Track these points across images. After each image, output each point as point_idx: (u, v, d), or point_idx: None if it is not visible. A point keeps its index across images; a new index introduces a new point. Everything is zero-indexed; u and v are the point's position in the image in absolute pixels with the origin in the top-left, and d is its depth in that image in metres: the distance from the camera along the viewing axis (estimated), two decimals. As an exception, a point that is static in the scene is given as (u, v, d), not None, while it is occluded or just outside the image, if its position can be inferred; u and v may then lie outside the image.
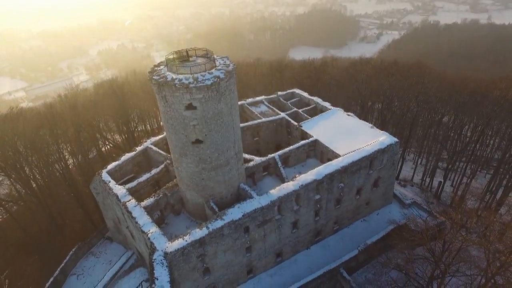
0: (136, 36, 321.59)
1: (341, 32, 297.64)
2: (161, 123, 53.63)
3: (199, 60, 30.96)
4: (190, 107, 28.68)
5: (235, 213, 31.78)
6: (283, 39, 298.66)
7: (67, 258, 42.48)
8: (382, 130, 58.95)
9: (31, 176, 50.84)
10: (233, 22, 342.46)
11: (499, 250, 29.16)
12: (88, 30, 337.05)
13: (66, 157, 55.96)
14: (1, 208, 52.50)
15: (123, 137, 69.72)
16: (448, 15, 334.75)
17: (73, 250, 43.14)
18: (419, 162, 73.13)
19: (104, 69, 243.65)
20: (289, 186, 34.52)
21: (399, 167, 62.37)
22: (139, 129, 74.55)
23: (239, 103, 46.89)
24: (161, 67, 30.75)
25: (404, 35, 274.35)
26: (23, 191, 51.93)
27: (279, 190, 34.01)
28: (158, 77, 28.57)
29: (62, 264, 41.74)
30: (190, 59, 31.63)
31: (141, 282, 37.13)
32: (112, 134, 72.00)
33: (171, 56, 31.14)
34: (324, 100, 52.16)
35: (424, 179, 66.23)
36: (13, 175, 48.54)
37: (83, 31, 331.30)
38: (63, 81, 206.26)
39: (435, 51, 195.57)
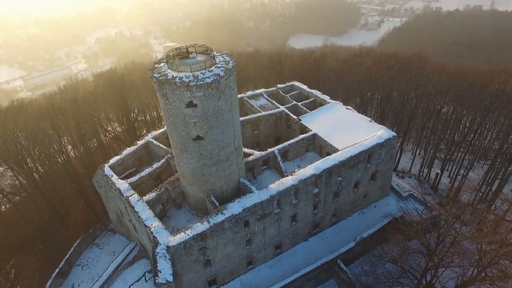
0: (134, 23, 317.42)
1: (342, 19, 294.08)
2: (161, 113, 53.99)
3: (199, 57, 31.12)
4: (190, 104, 29.05)
5: (235, 207, 32.57)
6: (283, 27, 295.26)
7: (72, 249, 43.60)
8: (381, 121, 59.54)
9: (34, 169, 51.54)
10: (232, 9, 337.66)
11: (493, 241, 29.99)
12: (85, 17, 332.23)
13: (68, 149, 56.61)
14: (5, 198, 53.40)
15: (123, 127, 70.11)
16: (450, 1, 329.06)
17: (77, 241, 44.17)
18: (417, 152, 73.83)
19: (103, 58, 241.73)
20: (288, 181, 35.23)
21: (397, 158, 63.07)
22: (139, 119, 74.96)
23: (239, 96, 47.31)
24: (162, 64, 30.96)
25: (405, 22, 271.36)
26: (25, 181, 52.71)
27: (278, 185, 34.73)
28: (159, 75, 28.84)
29: (67, 255, 42.84)
30: (190, 55, 31.79)
31: (145, 273, 38.29)
32: (112, 125, 72.48)
33: (171, 53, 31.30)
34: (324, 91, 52.41)
35: (422, 170, 67.04)
36: (15, 168, 49.20)
37: (80, 18, 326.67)
38: (61, 70, 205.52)
39: (436, 39, 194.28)
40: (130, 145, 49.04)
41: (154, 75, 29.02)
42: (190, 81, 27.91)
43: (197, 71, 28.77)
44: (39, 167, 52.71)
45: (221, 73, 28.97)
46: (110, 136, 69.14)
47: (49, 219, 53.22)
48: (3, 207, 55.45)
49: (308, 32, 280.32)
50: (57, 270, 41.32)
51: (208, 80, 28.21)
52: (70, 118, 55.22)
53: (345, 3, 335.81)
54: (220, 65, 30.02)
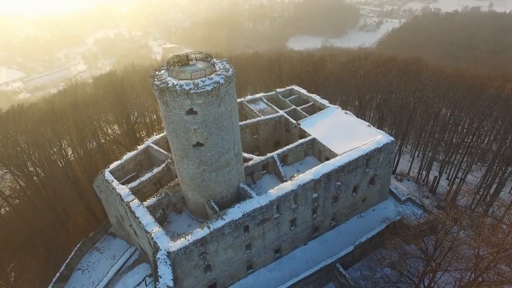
0: (133, 24, 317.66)
1: (341, 20, 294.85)
2: (161, 115, 54.51)
3: (199, 64, 31.49)
4: (191, 112, 29.38)
5: (235, 213, 32.84)
6: (282, 28, 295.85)
7: (72, 253, 43.67)
8: (380, 124, 59.82)
9: (34, 172, 51.66)
10: (231, 10, 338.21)
11: (491, 244, 30.26)
12: (85, 17, 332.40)
13: (68, 152, 56.76)
14: (4, 201, 53.45)
15: (123, 130, 70.29)
16: (449, 2, 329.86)
17: (78, 246, 44.31)
18: (416, 154, 74.16)
19: (102, 59, 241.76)
20: (287, 186, 35.51)
21: (396, 161, 63.45)
22: (139, 121, 75.24)
23: (238, 100, 47.66)
24: (162, 71, 31.27)
25: (404, 24, 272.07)
26: (25, 185, 52.82)
27: (277, 190, 35.01)
28: (160, 83, 29.15)
29: (68, 260, 42.94)
30: (190, 62, 32.13)
31: (145, 277, 38.47)
32: (112, 127, 72.74)
33: (171, 60, 31.62)
34: (323, 94, 52.74)
35: (421, 172, 67.35)
36: (16, 172, 49.32)
37: (79, 18, 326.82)
38: (60, 71, 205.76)
39: (435, 41, 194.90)
40: (130, 148, 49.44)
41: (155, 82, 29.32)
42: (190, 88, 28.22)
43: (197, 78, 29.12)
44: (39, 171, 52.82)
45: (221, 81, 29.30)
46: (110, 138, 69.38)
47: (50, 222, 53.28)
48: (2, 210, 55.53)
49: (307, 33, 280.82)
50: (57, 274, 41.42)
51: (208, 88, 28.54)
52: (70, 121, 55.43)
53: (344, 4, 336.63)
54: (220, 73, 30.35)
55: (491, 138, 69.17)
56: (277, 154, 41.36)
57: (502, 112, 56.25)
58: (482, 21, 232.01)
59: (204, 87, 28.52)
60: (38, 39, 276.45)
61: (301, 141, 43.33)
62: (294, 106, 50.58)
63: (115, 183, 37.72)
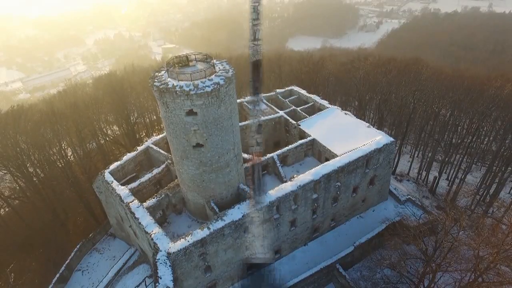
0: (133, 25, 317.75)
1: (341, 20, 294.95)
2: (160, 115, 54.43)
3: (199, 65, 31.48)
4: (191, 113, 29.38)
5: (235, 213, 32.84)
6: (282, 28, 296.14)
7: (72, 254, 43.67)
8: (379, 124, 59.84)
9: (33, 173, 51.65)
10: (231, 10, 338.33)
11: (490, 245, 30.28)
12: (84, 17, 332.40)
13: (68, 153, 56.79)
14: (4, 202, 53.45)
15: (123, 130, 70.30)
16: (448, 2, 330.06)
17: (77, 246, 44.30)
18: (416, 155, 74.19)
19: (101, 59, 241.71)
20: (287, 187, 35.53)
21: (395, 162, 63.50)
22: (138, 122, 75.22)
23: (238, 101, 47.58)
24: (162, 72, 31.27)
25: (403, 24, 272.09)
26: (24, 185, 52.83)
27: (277, 191, 35.02)
28: (159, 84, 29.16)
29: (68, 260, 42.93)
30: (190, 63, 32.12)
31: (145, 278, 38.44)
32: (111, 128, 72.75)
33: (171, 61, 31.61)
34: (323, 95, 52.80)
35: (420, 173, 67.37)
36: (15, 173, 49.31)
37: (79, 18, 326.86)
38: (60, 72, 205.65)
39: (434, 41, 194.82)
40: (130, 149, 49.41)
41: (155, 83, 29.33)
42: (190, 90, 28.23)
43: (197, 79, 29.12)
44: (39, 171, 52.82)
45: (221, 82, 29.31)
46: (110, 139, 69.38)
47: (49, 223, 53.25)
48: (2, 210, 55.48)
49: (307, 34, 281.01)
50: (57, 275, 41.42)
51: (208, 89, 28.55)
52: (70, 122, 55.45)
53: (344, 5, 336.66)
54: (220, 74, 30.36)
55: (491, 138, 69.18)
56: (277, 155, 41.39)
57: (501, 112, 56.29)
58: (481, 21, 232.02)
59: (204, 88, 28.53)
60: (38, 39, 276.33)
61: (301, 141, 43.38)
62: (294, 107, 50.63)
63: (115, 184, 37.73)
